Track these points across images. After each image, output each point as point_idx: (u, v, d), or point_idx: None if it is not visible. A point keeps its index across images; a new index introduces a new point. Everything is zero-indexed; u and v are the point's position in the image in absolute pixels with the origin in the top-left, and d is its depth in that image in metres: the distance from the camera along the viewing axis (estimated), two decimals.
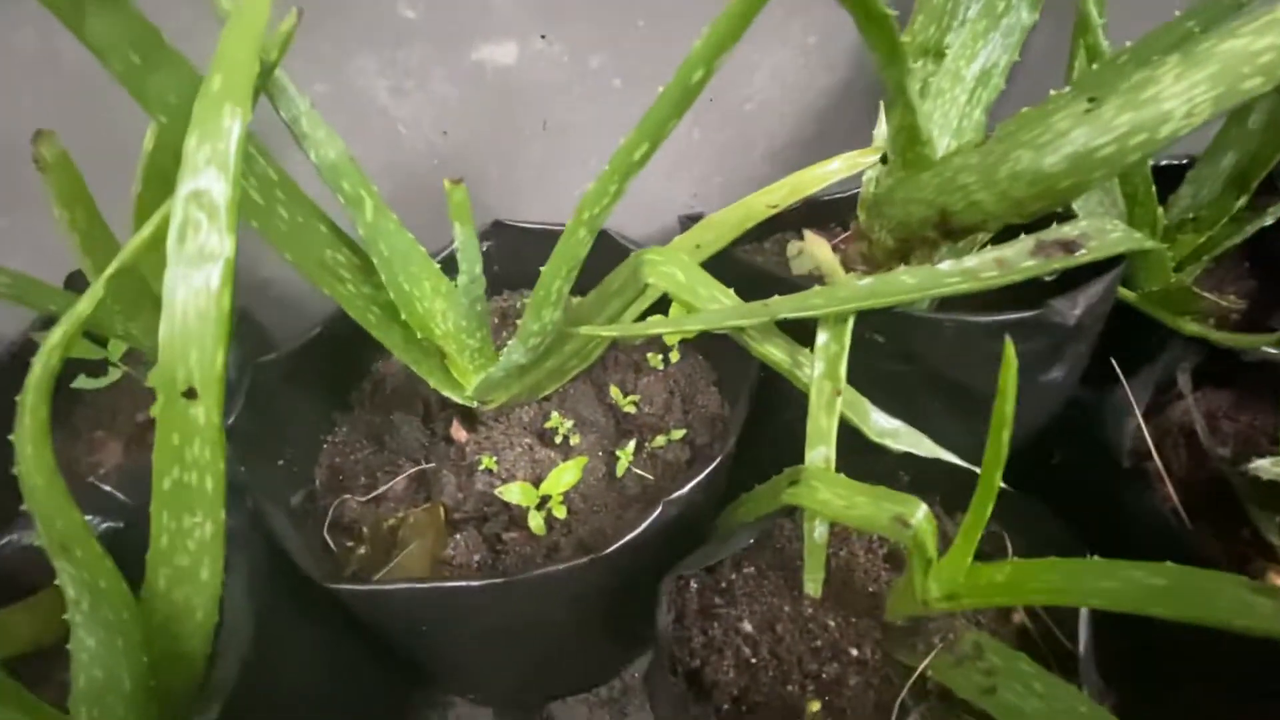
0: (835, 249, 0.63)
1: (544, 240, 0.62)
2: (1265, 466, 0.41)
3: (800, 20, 0.61)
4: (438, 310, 0.49)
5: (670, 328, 0.44)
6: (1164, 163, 0.69)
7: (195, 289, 0.34)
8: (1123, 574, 0.29)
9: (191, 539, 0.39)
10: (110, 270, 0.37)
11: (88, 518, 0.49)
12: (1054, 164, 0.41)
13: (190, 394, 0.35)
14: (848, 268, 0.59)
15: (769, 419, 0.59)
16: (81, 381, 0.55)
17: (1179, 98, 0.38)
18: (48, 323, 0.58)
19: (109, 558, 0.39)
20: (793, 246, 0.66)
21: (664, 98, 0.30)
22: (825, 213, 0.69)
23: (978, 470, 0.43)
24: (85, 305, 0.36)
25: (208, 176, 0.33)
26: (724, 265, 0.59)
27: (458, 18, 0.55)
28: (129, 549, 0.41)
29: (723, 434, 0.54)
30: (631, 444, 0.56)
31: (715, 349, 0.63)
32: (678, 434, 0.58)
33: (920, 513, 0.35)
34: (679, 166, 0.69)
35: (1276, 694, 0.40)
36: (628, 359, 0.63)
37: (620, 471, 0.55)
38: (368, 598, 0.42)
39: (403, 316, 0.49)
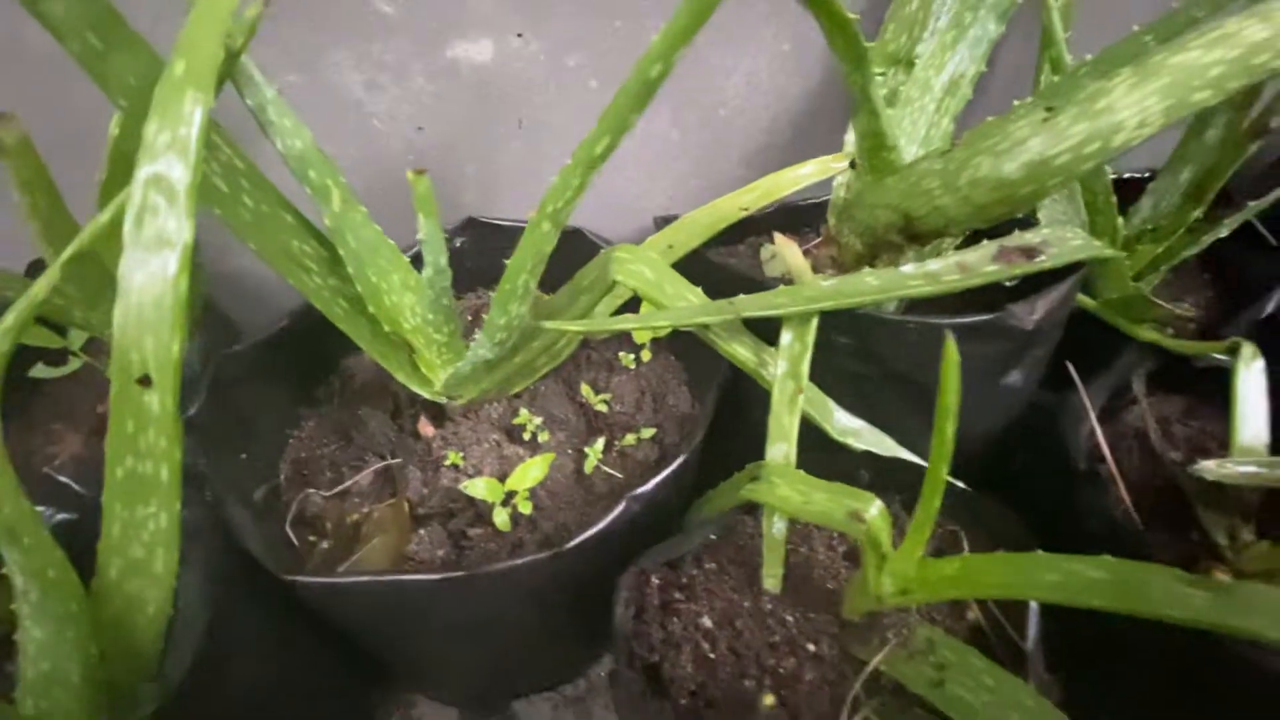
0: (808, 253, 0.64)
1: (518, 237, 0.62)
2: (1210, 468, 0.42)
3: (774, 27, 0.62)
4: (406, 304, 0.49)
5: (636, 324, 0.45)
6: (1126, 175, 0.71)
7: (152, 274, 0.34)
8: (1065, 567, 0.30)
9: (145, 530, 0.39)
10: (67, 254, 0.36)
11: (42, 509, 0.48)
12: (1012, 170, 0.42)
13: (145, 381, 0.35)
14: (818, 271, 0.60)
15: (740, 418, 0.60)
16: (40, 370, 0.54)
17: (1132, 108, 0.39)
18: (4, 309, 0.57)
19: (59, 547, 0.38)
20: (766, 250, 0.67)
21: (623, 92, 0.31)
22: (801, 217, 0.70)
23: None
24: (41, 288, 0.36)
25: (167, 161, 0.33)
26: (698, 267, 0.60)
27: (434, 14, 0.55)
28: (83, 541, 0.40)
29: (691, 433, 0.55)
30: (601, 442, 0.57)
31: (687, 349, 0.63)
32: (648, 432, 0.58)
33: (875, 508, 0.35)
34: (656, 169, 0.70)
35: (1212, 686, 0.41)
36: (600, 358, 0.64)
37: (589, 469, 0.55)
38: (324, 590, 0.42)
39: (370, 309, 0.48)
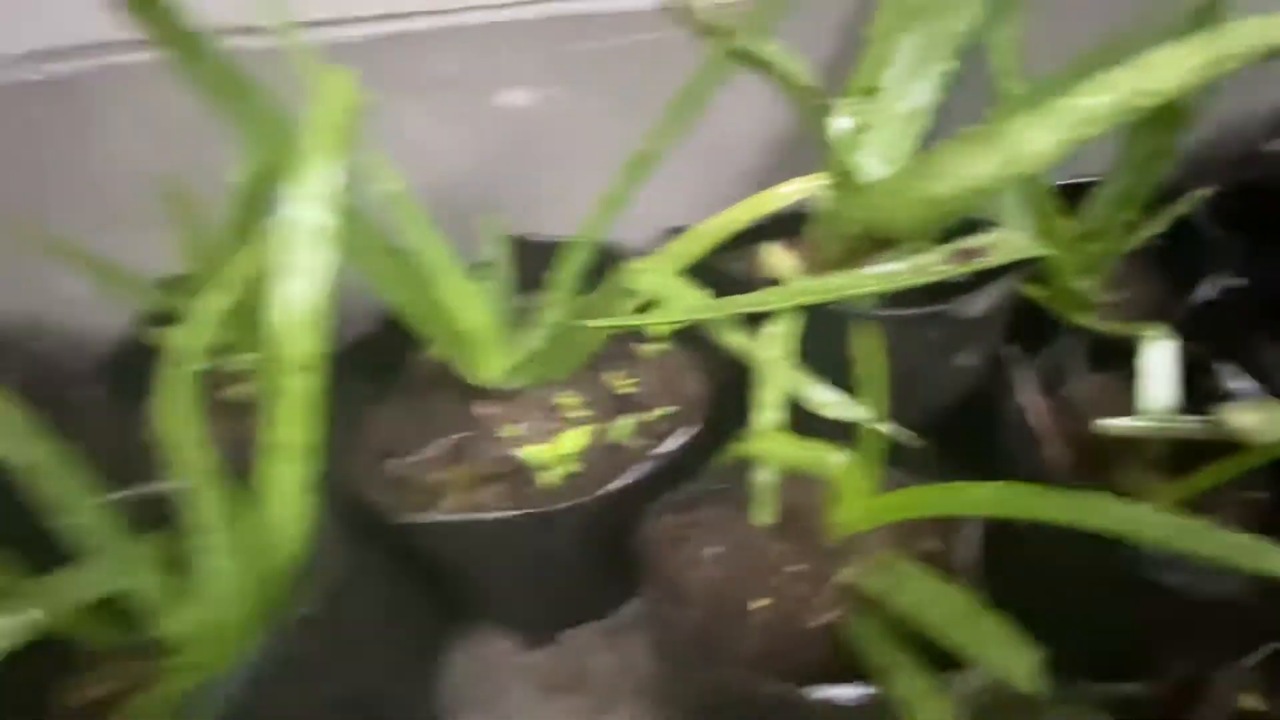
0: (801, 257, 0.75)
1: (552, 251, 0.75)
2: (1112, 424, 0.52)
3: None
4: (471, 310, 0.62)
5: (653, 320, 0.56)
6: (1084, 179, 0.81)
7: (298, 291, 0.46)
8: (969, 490, 0.41)
9: (289, 483, 0.52)
10: (239, 276, 0.49)
11: None
12: (943, 190, 0.53)
13: (298, 370, 0.48)
14: (806, 273, 0.72)
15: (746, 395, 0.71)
16: None
17: (1034, 142, 0.49)
18: (152, 319, 0.71)
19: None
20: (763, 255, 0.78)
21: (627, 170, 0.43)
22: (797, 225, 0.81)
23: (895, 434, 0.56)
24: (218, 301, 0.49)
25: (310, 207, 0.46)
26: (705, 272, 0.71)
27: (481, 72, 0.68)
28: None
29: (703, 406, 0.67)
30: (627, 418, 0.69)
31: (699, 341, 0.75)
32: (667, 411, 0.70)
33: (841, 456, 0.47)
34: (669, 188, 0.82)
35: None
36: (626, 350, 0.76)
37: (620, 440, 0.67)
38: (431, 529, 0.55)
39: (444, 315, 0.61)
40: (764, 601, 0.49)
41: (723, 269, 0.75)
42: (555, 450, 0.62)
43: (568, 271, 0.53)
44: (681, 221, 0.85)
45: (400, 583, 0.64)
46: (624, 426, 0.68)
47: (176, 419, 0.49)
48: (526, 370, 0.67)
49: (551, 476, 0.63)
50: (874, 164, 0.70)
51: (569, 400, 0.69)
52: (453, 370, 0.68)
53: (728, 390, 0.68)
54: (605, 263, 0.70)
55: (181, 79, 0.43)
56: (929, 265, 0.59)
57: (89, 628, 0.50)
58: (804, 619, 0.49)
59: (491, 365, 0.66)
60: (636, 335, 0.75)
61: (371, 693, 0.60)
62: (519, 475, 0.65)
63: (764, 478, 0.52)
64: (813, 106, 0.51)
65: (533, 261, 0.79)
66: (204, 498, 0.50)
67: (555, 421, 0.68)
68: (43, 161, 0.64)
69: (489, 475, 0.64)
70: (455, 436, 0.68)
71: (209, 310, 0.49)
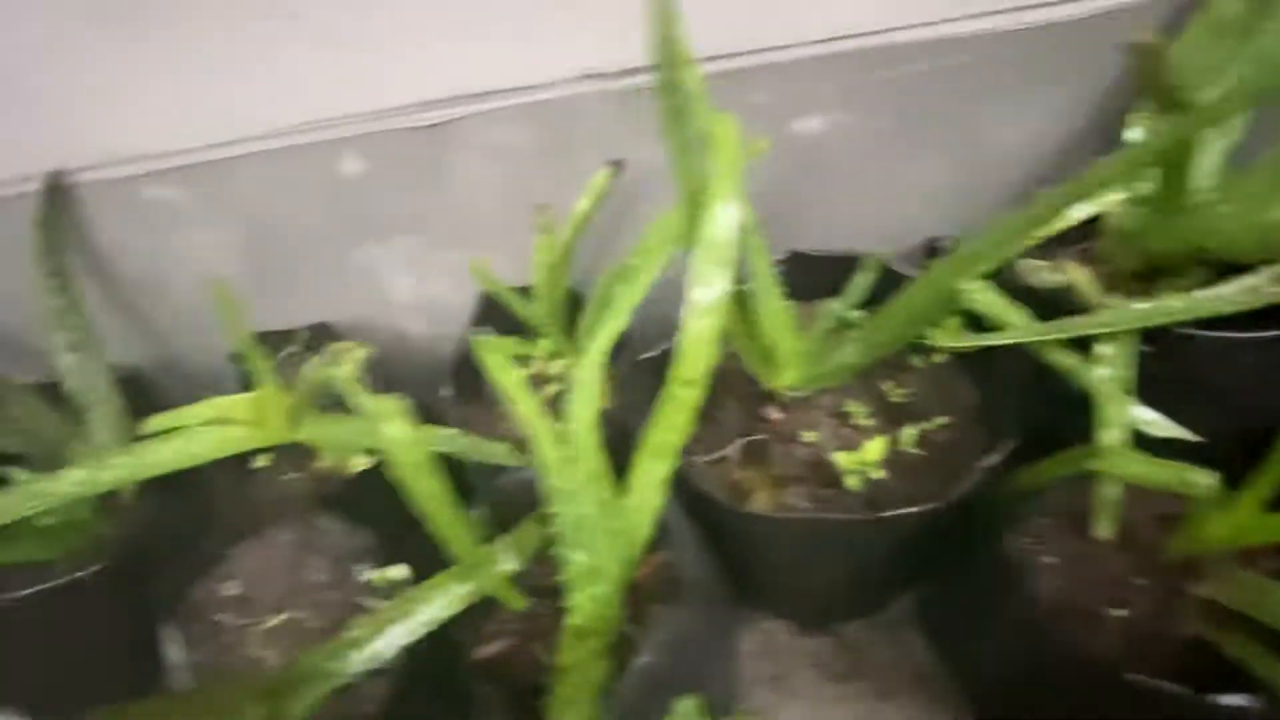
0: (1092, 271, 0.76)
1: (827, 264, 0.79)
2: None
3: (1043, 87, 0.74)
4: (785, 327, 0.68)
5: (994, 341, 0.60)
6: None
7: (704, 321, 0.53)
8: None
9: (655, 476, 0.59)
10: (633, 301, 0.57)
11: None
12: None
13: (689, 383, 0.55)
14: (1100, 288, 0.72)
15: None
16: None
17: None
18: (480, 319, 0.81)
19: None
20: (1027, 264, 0.79)
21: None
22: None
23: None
24: (618, 324, 0.57)
25: (716, 247, 0.53)
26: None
27: (781, 102, 0.73)
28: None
29: (989, 421, 0.69)
30: (908, 427, 0.73)
31: (968, 351, 0.77)
32: (942, 421, 0.73)
33: (1210, 477, 0.49)
34: (927, 201, 0.85)
35: None
36: (897, 360, 0.79)
37: (902, 448, 0.71)
38: (763, 522, 0.61)
39: (758, 329, 0.67)
40: (1120, 610, 0.52)
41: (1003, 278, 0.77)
42: (863, 457, 0.67)
43: (908, 307, 0.58)
44: (937, 233, 0.88)
45: (712, 568, 0.72)
46: (910, 434, 0.72)
47: (579, 423, 0.57)
48: (819, 378, 0.72)
49: (855, 481, 0.68)
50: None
51: (855, 408, 0.74)
52: (741, 373, 0.74)
53: (998, 401, 0.70)
54: (884, 277, 0.75)
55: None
56: (1260, 287, 0.59)
57: (504, 592, 0.60)
58: (1163, 628, 0.52)
59: (790, 373, 0.72)
60: (914, 346, 0.79)
61: (689, 665, 0.67)
62: (819, 477, 0.70)
63: (1108, 493, 0.55)
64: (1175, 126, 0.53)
65: (807, 272, 0.84)
66: (587, 491, 0.58)
67: (846, 427, 0.73)
68: (417, 192, 0.75)
69: (792, 476, 0.70)
70: (754, 437, 0.74)
71: (607, 335, 0.57)
